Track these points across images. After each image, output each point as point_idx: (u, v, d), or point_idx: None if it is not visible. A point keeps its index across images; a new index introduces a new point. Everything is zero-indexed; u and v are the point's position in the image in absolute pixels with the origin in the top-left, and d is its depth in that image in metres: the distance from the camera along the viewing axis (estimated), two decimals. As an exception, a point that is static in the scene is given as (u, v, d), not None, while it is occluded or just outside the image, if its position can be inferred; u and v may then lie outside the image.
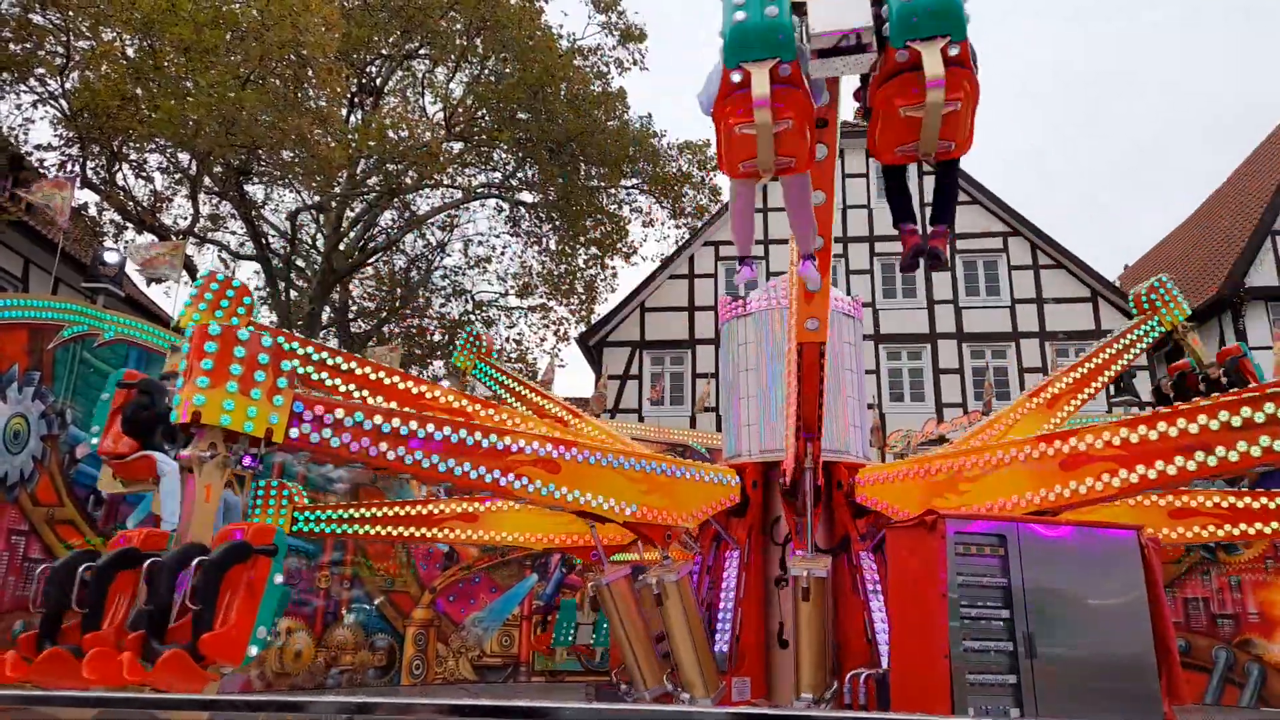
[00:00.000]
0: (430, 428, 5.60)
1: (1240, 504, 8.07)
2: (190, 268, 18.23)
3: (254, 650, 4.46)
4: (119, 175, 18.22)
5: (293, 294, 21.20)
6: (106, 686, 4.03)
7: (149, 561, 4.52)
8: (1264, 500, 8.08)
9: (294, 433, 5.04)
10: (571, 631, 12.24)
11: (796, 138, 3.59)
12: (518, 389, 11.11)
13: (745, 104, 3.46)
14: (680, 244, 22.76)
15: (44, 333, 9.12)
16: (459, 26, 20.58)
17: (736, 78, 3.47)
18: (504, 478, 5.85)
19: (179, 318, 7.05)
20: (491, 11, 19.69)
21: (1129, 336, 10.18)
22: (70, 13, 15.47)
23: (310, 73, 16.69)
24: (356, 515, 9.11)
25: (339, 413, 5.26)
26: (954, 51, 3.46)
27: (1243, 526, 8.13)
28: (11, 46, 15.24)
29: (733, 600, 7.34)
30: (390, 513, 8.96)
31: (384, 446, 5.38)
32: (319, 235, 22.38)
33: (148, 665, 4.22)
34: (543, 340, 24.15)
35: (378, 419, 5.39)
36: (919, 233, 4.45)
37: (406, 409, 6.01)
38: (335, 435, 5.19)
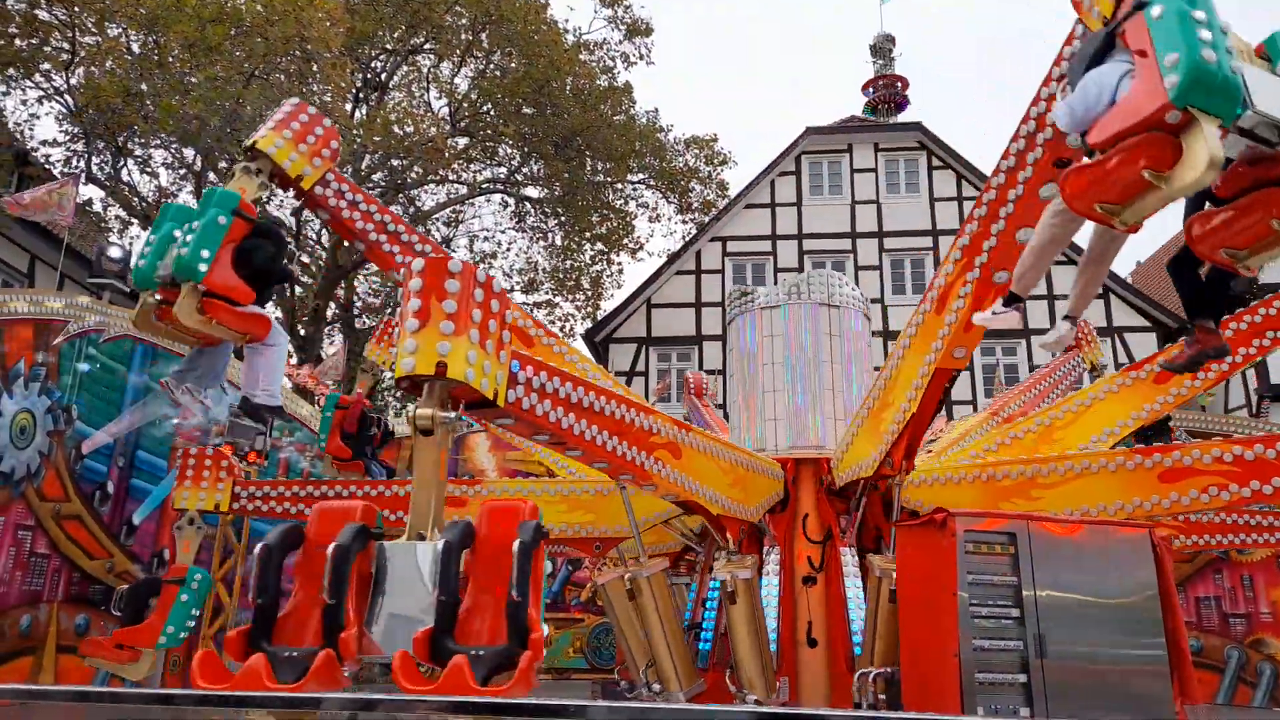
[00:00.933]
0: (602, 400, 5.08)
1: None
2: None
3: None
4: (124, 171, 18.23)
5: (297, 289, 21.20)
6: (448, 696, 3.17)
7: (443, 541, 3.70)
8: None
9: (510, 396, 4.37)
10: None
11: (1161, 203, 3.25)
12: (405, 237, 8.29)
13: (1166, 148, 3.00)
14: (687, 239, 22.68)
15: (50, 328, 9.11)
16: (464, 21, 20.51)
17: (1173, 117, 2.96)
18: (647, 460, 5.41)
19: (256, 138, 5.81)
20: (496, 5, 19.63)
21: (1061, 370, 10.90)
22: (76, 8, 15.46)
23: (315, 68, 16.67)
24: (314, 494, 7.69)
25: (544, 375, 4.70)
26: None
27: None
28: (17, 42, 15.24)
29: (775, 599, 7.15)
30: (356, 493, 7.71)
31: (572, 418, 4.84)
32: (324, 231, 22.38)
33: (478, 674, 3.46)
34: (548, 336, 24.11)
35: (569, 386, 4.85)
36: (1216, 331, 4.16)
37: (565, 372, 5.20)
38: (540, 402, 4.62)
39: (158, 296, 5.10)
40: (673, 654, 6.66)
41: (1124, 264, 36.76)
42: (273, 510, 7.78)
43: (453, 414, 3.94)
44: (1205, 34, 2.95)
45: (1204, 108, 2.94)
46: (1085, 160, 3.39)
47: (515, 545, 3.71)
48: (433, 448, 3.91)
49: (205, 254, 4.99)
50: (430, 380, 3.87)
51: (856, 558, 7.21)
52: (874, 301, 19.77)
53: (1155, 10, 3.08)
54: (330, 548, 3.68)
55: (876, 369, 7.33)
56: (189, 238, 4.98)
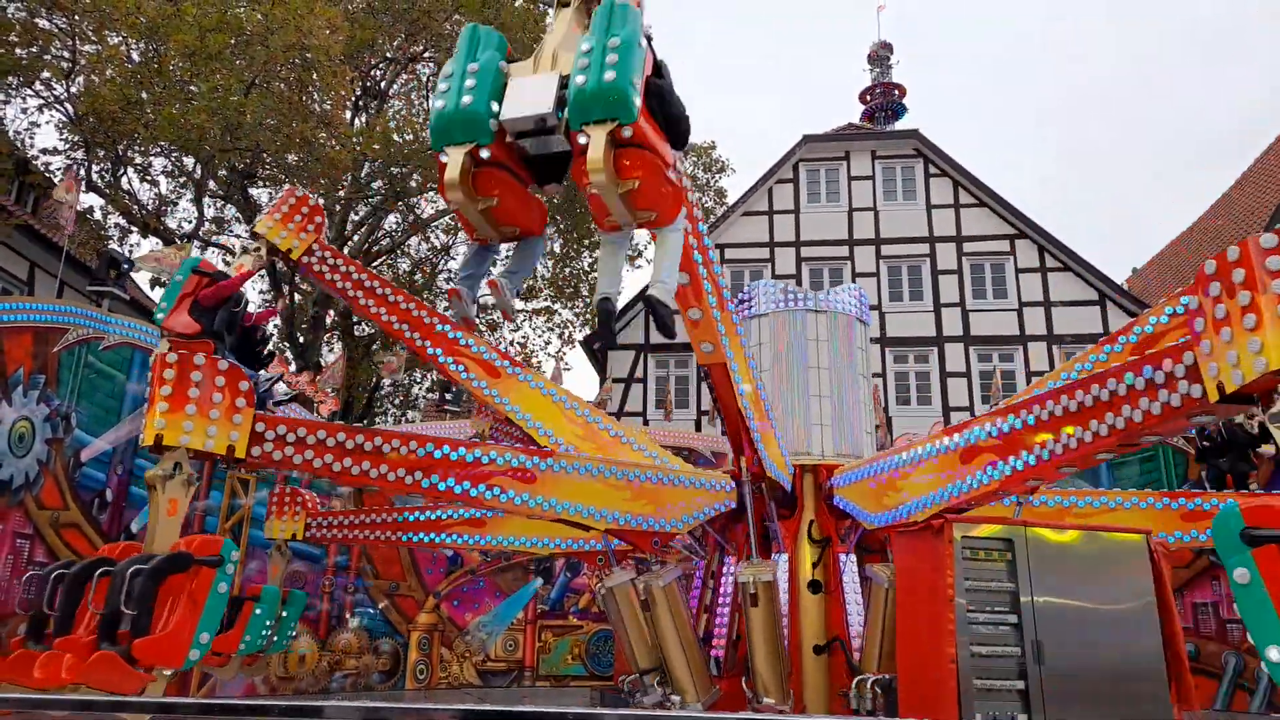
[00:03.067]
0: (395, 443, 5.58)
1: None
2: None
3: None
4: (124, 179, 18.25)
5: (297, 297, 21.21)
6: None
7: None
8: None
9: (255, 451, 5.23)
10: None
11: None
12: (379, 291, 7.56)
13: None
14: (685, 247, 22.69)
15: (49, 336, 9.12)
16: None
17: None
18: (476, 489, 5.74)
19: (256, 225, 7.05)
20: (496, 14, 19.69)
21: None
22: (76, 17, 15.51)
23: (314, 76, 16.71)
24: (364, 521, 9.04)
25: (301, 431, 5.37)
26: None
27: None
28: (17, 51, 15.27)
29: (729, 606, 7.28)
30: (397, 519, 8.77)
31: (348, 462, 5.44)
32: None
33: None
34: (547, 343, 24.15)
35: (341, 436, 5.48)
36: None
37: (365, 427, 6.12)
38: (296, 453, 5.33)
39: (485, 153, 3.82)
40: (689, 663, 6.64)
41: (1120, 270, 36.85)
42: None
43: (170, 470, 5.01)
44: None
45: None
46: None
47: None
48: (157, 501, 5.05)
49: (637, 81, 3.54)
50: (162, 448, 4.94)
51: (856, 564, 7.25)
52: (871, 309, 19.84)
53: None
54: None
55: (876, 375, 7.38)
56: (609, 58, 3.55)
